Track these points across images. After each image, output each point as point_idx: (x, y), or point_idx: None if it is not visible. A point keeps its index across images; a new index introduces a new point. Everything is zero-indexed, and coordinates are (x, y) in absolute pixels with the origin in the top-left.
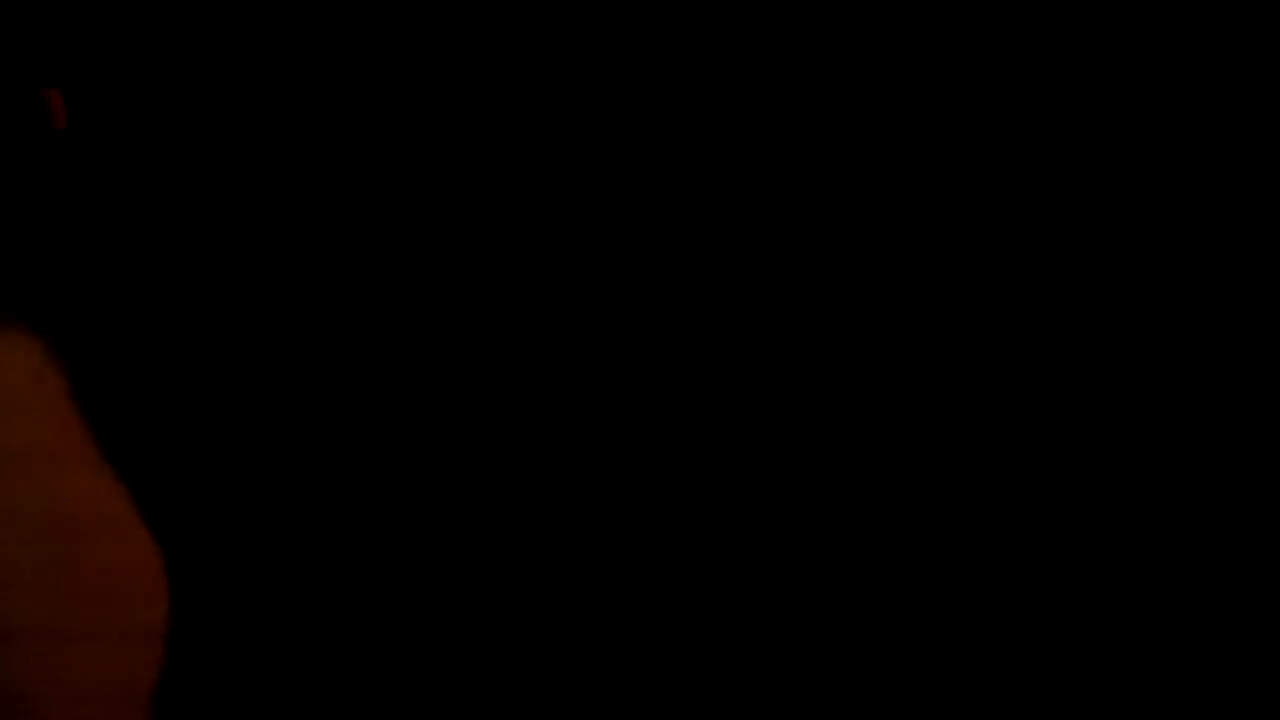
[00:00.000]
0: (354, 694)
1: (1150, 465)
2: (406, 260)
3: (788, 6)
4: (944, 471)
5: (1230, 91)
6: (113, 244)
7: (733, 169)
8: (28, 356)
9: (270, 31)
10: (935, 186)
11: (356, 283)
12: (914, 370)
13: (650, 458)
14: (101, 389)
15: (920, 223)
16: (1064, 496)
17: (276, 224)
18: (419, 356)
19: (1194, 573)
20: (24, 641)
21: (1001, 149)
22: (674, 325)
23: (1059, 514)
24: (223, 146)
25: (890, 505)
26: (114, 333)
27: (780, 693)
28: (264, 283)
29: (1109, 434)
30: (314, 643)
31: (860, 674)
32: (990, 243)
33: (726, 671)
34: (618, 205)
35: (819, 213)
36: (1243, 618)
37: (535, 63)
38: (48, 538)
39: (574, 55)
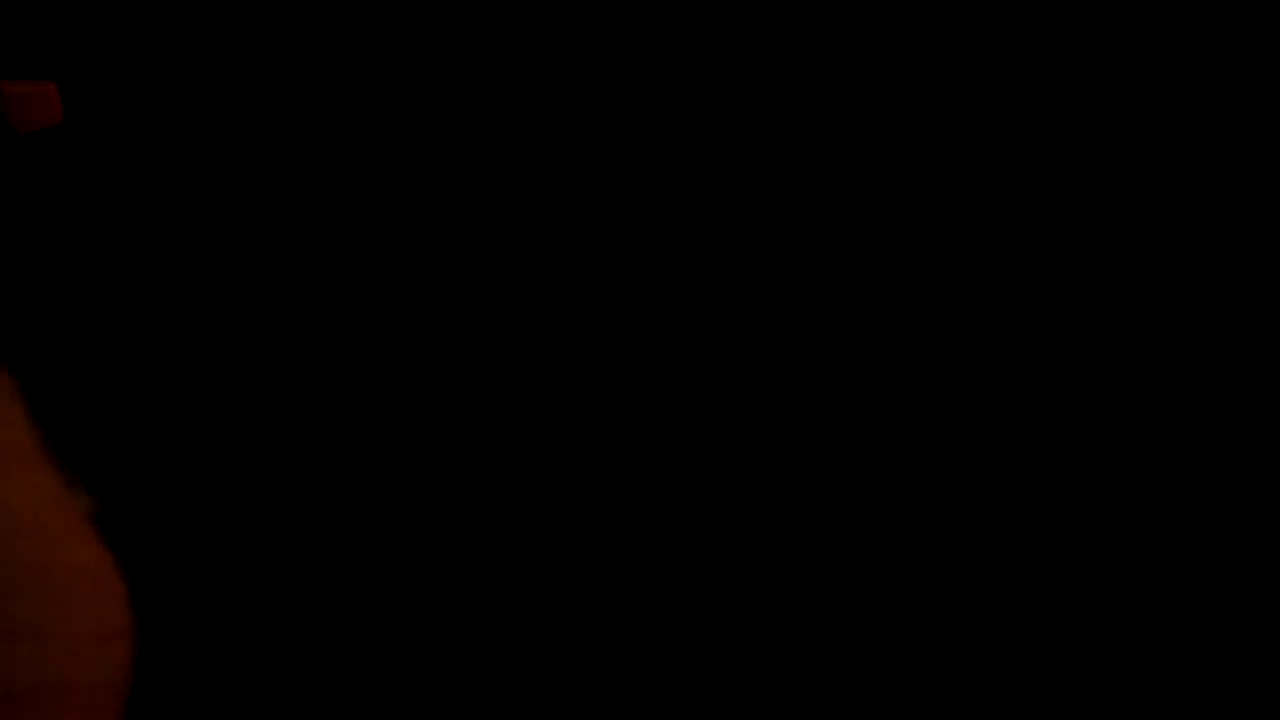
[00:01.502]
0: (328, 691)
1: (1150, 465)
2: (393, 260)
3: (788, 6)
4: (944, 471)
5: (1230, 92)
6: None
7: (732, 169)
8: None
9: (270, 25)
10: (935, 186)
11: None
12: (914, 370)
13: (650, 457)
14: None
15: (920, 223)
16: (1064, 496)
17: (257, 222)
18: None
19: (1194, 573)
20: None
21: (1002, 149)
22: (674, 325)
23: (1059, 514)
24: (217, 143)
25: (890, 505)
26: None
27: (780, 693)
28: (230, 279)
29: (1109, 434)
30: (285, 641)
31: (860, 674)
32: (990, 243)
33: (726, 671)
34: (617, 205)
35: (818, 213)
36: (1243, 618)
37: (535, 63)
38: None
39: (574, 55)
